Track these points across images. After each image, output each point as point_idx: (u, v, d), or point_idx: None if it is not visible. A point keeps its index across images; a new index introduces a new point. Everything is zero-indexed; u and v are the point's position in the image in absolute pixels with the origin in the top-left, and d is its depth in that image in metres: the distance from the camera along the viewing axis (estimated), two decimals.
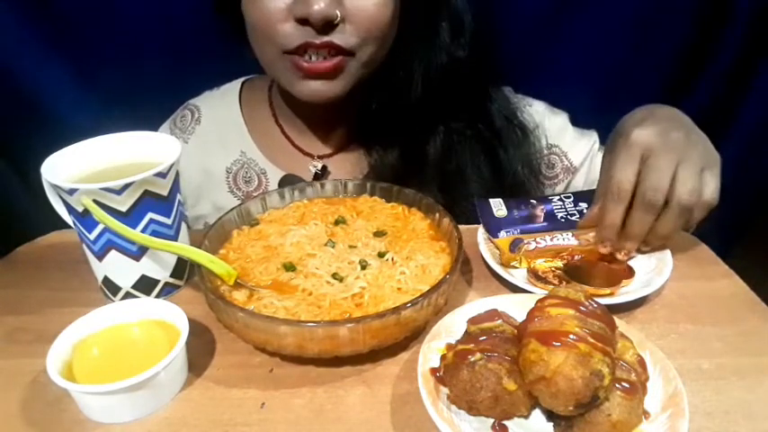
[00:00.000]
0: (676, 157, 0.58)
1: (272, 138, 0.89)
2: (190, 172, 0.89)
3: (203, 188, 0.89)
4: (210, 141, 0.89)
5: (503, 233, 0.66)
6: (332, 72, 0.71)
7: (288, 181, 0.85)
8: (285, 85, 0.76)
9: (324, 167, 0.87)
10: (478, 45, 0.80)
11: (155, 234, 0.57)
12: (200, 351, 0.54)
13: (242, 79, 0.94)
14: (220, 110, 0.91)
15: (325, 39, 0.68)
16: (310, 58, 0.70)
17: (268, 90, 0.91)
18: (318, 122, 0.87)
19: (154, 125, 0.94)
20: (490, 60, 0.83)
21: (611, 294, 0.58)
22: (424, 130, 0.83)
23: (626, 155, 0.59)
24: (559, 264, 0.63)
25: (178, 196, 0.60)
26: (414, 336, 0.54)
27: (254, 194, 0.85)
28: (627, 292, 0.59)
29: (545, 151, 0.88)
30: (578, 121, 1.02)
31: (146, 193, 0.55)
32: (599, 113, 1.04)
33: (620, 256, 0.62)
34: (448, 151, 0.83)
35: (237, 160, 0.88)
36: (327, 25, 0.67)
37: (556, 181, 0.89)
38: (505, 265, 0.64)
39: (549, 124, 0.88)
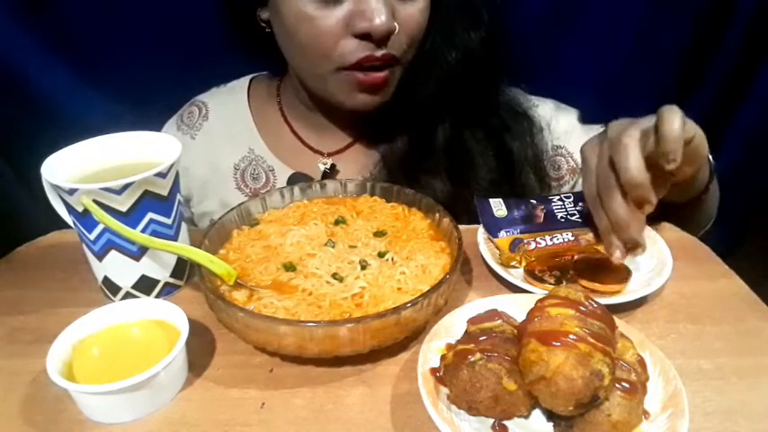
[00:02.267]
0: (617, 134, 0.54)
1: (280, 135, 0.89)
2: (197, 168, 0.89)
3: (210, 184, 0.89)
4: (218, 137, 0.89)
5: (503, 233, 0.66)
6: (384, 83, 0.72)
7: (296, 179, 0.85)
8: (336, 98, 0.76)
9: (333, 165, 0.87)
10: (492, 40, 0.80)
11: (155, 234, 0.57)
12: (200, 351, 0.54)
13: (250, 76, 0.93)
14: (228, 106, 0.91)
15: (385, 51, 0.69)
16: (367, 70, 0.71)
17: (276, 88, 0.90)
18: (330, 121, 0.87)
19: (158, 124, 0.94)
20: (501, 54, 0.83)
21: (618, 292, 0.58)
22: (433, 118, 0.83)
23: (583, 168, 0.60)
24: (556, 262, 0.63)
25: (178, 196, 0.60)
26: (414, 336, 0.54)
27: (262, 192, 0.85)
28: (627, 291, 0.59)
29: (551, 153, 0.88)
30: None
31: (146, 193, 0.55)
32: (600, 116, 1.04)
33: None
34: (456, 138, 0.83)
35: (245, 157, 0.88)
36: (387, 38, 0.68)
37: (562, 182, 0.89)
38: (505, 264, 0.64)
39: (556, 125, 0.88)
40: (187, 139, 0.89)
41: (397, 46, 0.70)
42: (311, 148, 0.88)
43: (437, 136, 0.82)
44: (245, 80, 0.93)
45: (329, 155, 0.87)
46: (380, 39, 0.68)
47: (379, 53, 0.69)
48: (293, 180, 0.85)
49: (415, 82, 0.79)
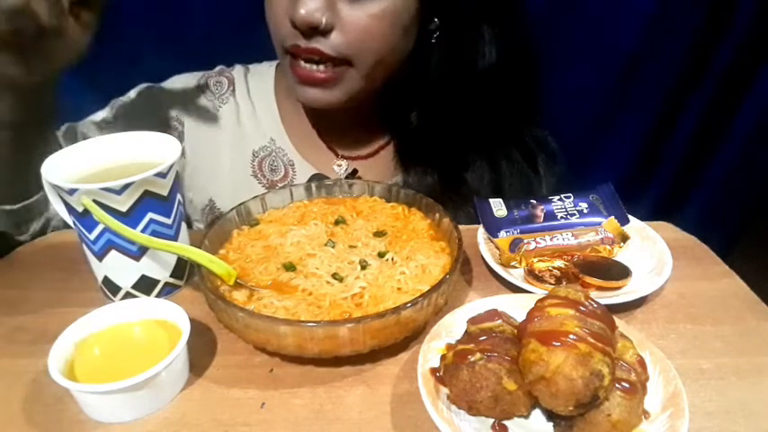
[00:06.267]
0: None
1: (300, 129, 0.88)
2: (218, 141, 0.86)
3: (225, 164, 0.87)
4: (243, 119, 0.87)
5: (503, 233, 0.66)
6: (326, 82, 0.71)
7: (317, 180, 0.84)
8: (290, 86, 0.76)
9: (354, 170, 0.86)
10: (514, 60, 0.80)
11: (155, 234, 0.57)
12: (201, 351, 0.54)
13: (275, 62, 0.91)
14: (255, 91, 0.89)
15: (313, 45, 0.67)
16: (302, 64, 0.70)
17: None
18: (345, 123, 0.86)
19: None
20: (527, 79, 0.84)
21: (619, 288, 0.59)
22: (464, 154, 0.83)
23: None
24: (558, 263, 0.63)
25: (178, 196, 0.60)
26: (414, 336, 0.54)
27: (280, 185, 0.85)
28: (627, 292, 0.59)
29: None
30: (582, 131, 1.02)
31: (146, 193, 0.55)
32: (603, 118, 1.05)
33: None
34: (486, 173, 0.84)
35: (266, 147, 0.87)
36: (313, 30, 0.66)
37: None
38: (505, 264, 0.64)
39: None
40: (210, 106, 0.87)
41: (333, 45, 0.68)
42: (329, 147, 0.87)
43: (468, 174, 0.82)
44: (270, 66, 0.91)
45: (344, 157, 0.87)
46: (304, 29, 0.66)
47: (304, 45, 0.68)
48: (313, 181, 0.85)
49: (431, 97, 0.79)
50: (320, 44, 0.68)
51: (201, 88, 0.88)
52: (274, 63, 0.91)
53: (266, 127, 0.87)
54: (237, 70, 0.90)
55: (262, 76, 0.90)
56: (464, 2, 0.75)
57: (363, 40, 0.68)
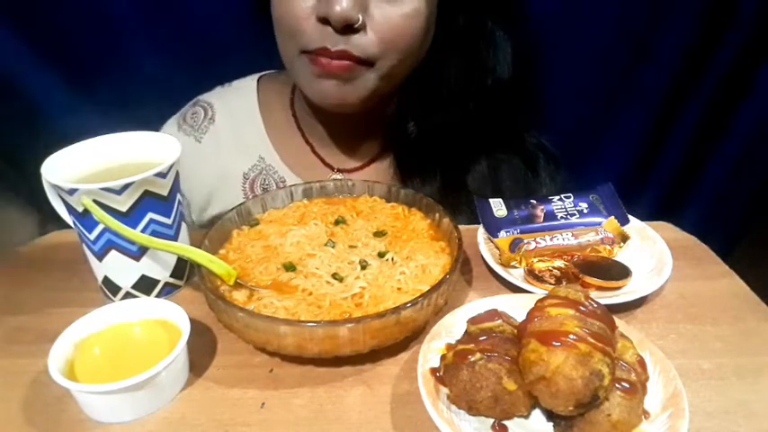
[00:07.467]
0: None
1: (291, 143, 0.86)
2: (203, 174, 0.85)
3: (217, 192, 0.86)
4: (226, 142, 0.85)
5: (503, 233, 0.66)
6: (346, 73, 0.69)
7: None
8: (301, 85, 0.74)
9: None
10: (520, 67, 0.79)
11: (155, 234, 0.57)
12: (201, 351, 0.54)
13: (257, 75, 0.90)
14: (237, 108, 0.86)
15: (342, 47, 0.66)
16: (324, 59, 0.68)
17: (290, 92, 0.87)
18: (343, 134, 0.85)
19: (153, 128, 0.93)
20: (530, 85, 0.84)
21: (619, 288, 0.59)
22: (465, 160, 0.82)
23: None
24: (558, 264, 0.63)
25: (178, 196, 0.60)
26: (414, 336, 0.54)
27: None
28: (627, 292, 0.59)
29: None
30: (582, 131, 1.02)
31: (146, 193, 0.55)
32: (603, 117, 1.05)
33: None
34: (487, 179, 0.83)
35: (255, 166, 0.85)
36: (347, 28, 0.65)
37: None
38: (505, 264, 0.64)
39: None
40: (191, 141, 0.85)
41: (363, 45, 0.66)
42: (323, 161, 0.86)
43: (468, 179, 0.82)
44: (251, 80, 0.89)
45: (340, 170, 0.86)
46: (339, 26, 0.65)
47: (335, 48, 0.66)
48: None
49: (435, 106, 0.78)
50: (349, 46, 0.67)
51: (180, 126, 0.87)
52: (257, 76, 0.90)
53: (253, 145, 0.85)
54: (215, 93, 0.89)
55: (243, 91, 0.88)
56: (479, 2, 0.74)
57: (393, 40, 0.68)
